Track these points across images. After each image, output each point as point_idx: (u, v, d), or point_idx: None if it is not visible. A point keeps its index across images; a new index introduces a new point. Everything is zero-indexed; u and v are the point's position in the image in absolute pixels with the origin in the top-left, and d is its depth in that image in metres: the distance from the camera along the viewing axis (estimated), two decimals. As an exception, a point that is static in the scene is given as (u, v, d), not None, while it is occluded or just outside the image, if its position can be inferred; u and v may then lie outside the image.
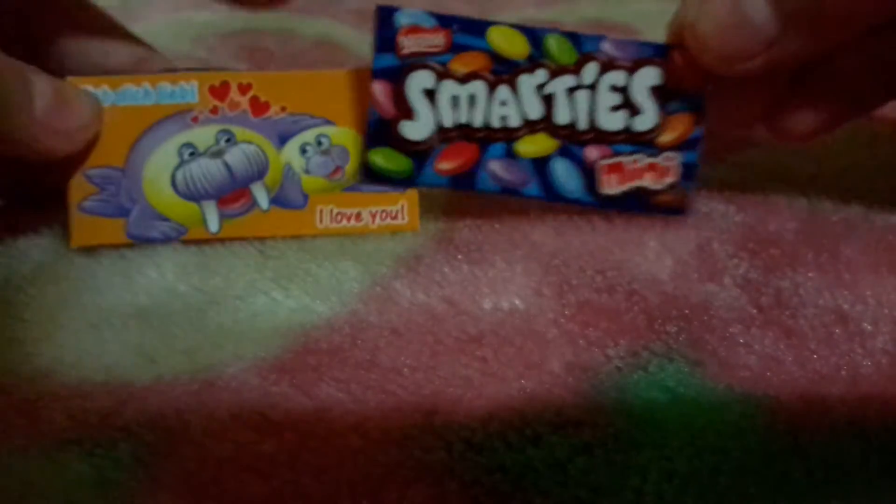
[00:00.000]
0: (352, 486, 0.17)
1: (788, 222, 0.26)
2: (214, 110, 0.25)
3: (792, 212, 0.27)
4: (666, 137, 0.25)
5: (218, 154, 0.25)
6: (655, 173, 0.26)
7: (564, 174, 0.25)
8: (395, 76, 0.25)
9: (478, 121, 0.25)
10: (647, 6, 0.54)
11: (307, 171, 0.25)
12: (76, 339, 0.22)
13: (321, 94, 0.26)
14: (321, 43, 0.48)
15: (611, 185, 0.26)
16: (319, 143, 0.25)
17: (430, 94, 0.25)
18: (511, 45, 0.25)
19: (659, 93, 0.25)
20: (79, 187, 0.25)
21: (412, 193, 0.26)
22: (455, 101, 0.25)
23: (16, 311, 0.23)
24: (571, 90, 0.25)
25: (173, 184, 0.25)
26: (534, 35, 0.25)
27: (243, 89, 0.25)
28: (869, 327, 0.21)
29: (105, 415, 0.19)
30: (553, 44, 0.25)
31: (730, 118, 0.26)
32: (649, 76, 0.25)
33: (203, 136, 0.25)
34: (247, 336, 0.22)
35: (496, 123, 0.25)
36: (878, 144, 0.33)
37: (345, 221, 0.26)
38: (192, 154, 0.25)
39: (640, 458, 0.18)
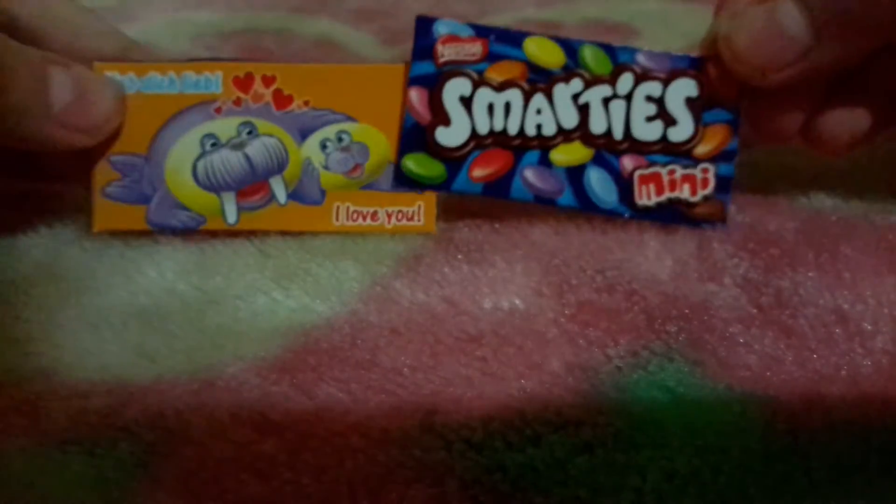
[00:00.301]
0: (352, 486, 0.17)
1: (788, 222, 0.26)
2: (238, 102, 0.25)
3: (792, 212, 0.27)
4: (702, 149, 0.25)
5: (239, 146, 0.25)
6: (692, 185, 0.26)
7: (599, 184, 0.25)
8: (432, 83, 0.25)
9: (513, 128, 0.25)
10: (648, 6, 0.54)
11: (326, 167, 0.26)
12: (76, 339, 0.22)
13: (345, 89, 0.26)
14: (321, 43, 0.48)
15: (647, 196, 0.25)
16: (340, 140, 0.25)
17: (466, 102, 0.25)
18: (547, 54, 0.25)
19: (694, 104, 0.25)
20: (102, 173, 0.25)
21: (430, 195, 0.26)
22: (491, 108, 0.25)
23: (16, 310, 0.23)
24: (607, 100, 0.25)
25: (194, 174, 0.25)
26: (569, 46, 0.25)
27: (267, 81, 0.25)
28: (869, 327, 0.21)
29: (105, 414, 0.19)
30: (588, 54, 0.25)
31: (767, 130, 0.26)
32: (684, 87, 0.25)
33: (225, 127, 0.25)
34: (247, 336, 0.22)
35: (531, 131, 0.25)
36: (878, 144, 0.32)
37: (360, 220, 0.26)
38: (213, 145, 0.25)
39: (640, 457, 0.18)
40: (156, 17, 0.30)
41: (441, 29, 0.25)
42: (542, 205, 0.25)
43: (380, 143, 0.26)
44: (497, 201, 0.26)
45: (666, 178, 0.25)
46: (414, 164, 0.25)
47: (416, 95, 0.25)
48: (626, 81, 0.25)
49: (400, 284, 0.24)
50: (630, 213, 0.25)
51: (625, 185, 0.25)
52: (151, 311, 0.23)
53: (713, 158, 0.26)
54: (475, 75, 0.25)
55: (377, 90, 0.26)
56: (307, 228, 0.26)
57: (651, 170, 0.25)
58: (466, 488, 0.17)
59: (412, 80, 0.25)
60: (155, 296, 0.23)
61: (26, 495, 0.17)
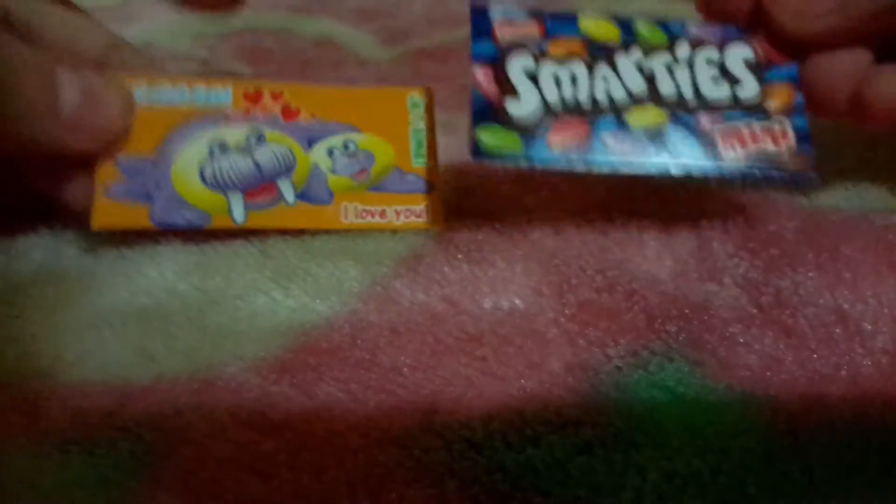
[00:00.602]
0: (352, 486, 0.17)
1: (788, 222, 0.26)
2: (247, 113, 0.26)
3: (792, 211, 0.27)
4: (772, 104, 0.26)
5: (248, 151, 0.26)
6: (773, 137, 0.25)
7: (682, 143, 0.25)
8: (495, 60, 0.25)
9: (583, 96, 0.25)
10: (649, 6, 0.54)
11: (333, 171, 0.26)
12: (76, 339, 0.22)
13: (351, 106, 0.27)
14: (321, 42, 0.48)
15: (733, 150, 0.25)
16: (346, 147, 0.26)
17: (532, 76, 0.25)
18: (602, 30, 0.26)
19: (752, 66, 0.26)
20: (106, 172, 0.25)
21: (436, 194, 0.26)
22: (557, 80, 0.25)
23: (16, 310, 0.23)
24: (669, 67, 0.26)
25: (201, 175, 0.25)
26: (622, 22, 0.26)
27: (275, 96, 0.27)
28: (869, 327, 0.21)
29: (105, 414, 0.19)
30: (642, 28, 0.26)
31: (816, 100, 0.26)
32: (740, 51, 0.26)
33: (234, 134, 0.26)
34: (247, 336, 0.22)
35: (602, 98, 0.25)
36: (878, 144, 0.32)
37: (369, 217, 0.26)
38: (222, 149, 0.26)
39: (640, 457, 0.18)
40: (156, 16, 0.30)
41: (496, 15, 0.26)
42: (627, 170, 0.24)
43: (385, 151, 0.26)
44: (496, 201, 0.26)
45: (746, 132, 0.25)
46: (488, 136, 0.24)
47: (481, 72, 0.25)
48: (683, 49, 0.26)
49: (400, 284, 0.24)
50: (718, 169, 0.25)
51: (708, 143, 0.25)
52: (152, 311, 0.23)
53: (785, 112, 0.26)
54: (536, 51, 0.25)
55: (381, 108, 0.27)
56: (315, 226, 0.26)
57: (730, 124, 0.25)
58: (466, 488, 0.17)
59: (474, 58, 0.25)
60: (155, 296, 0.23)
61: (26, 495, 0.17)
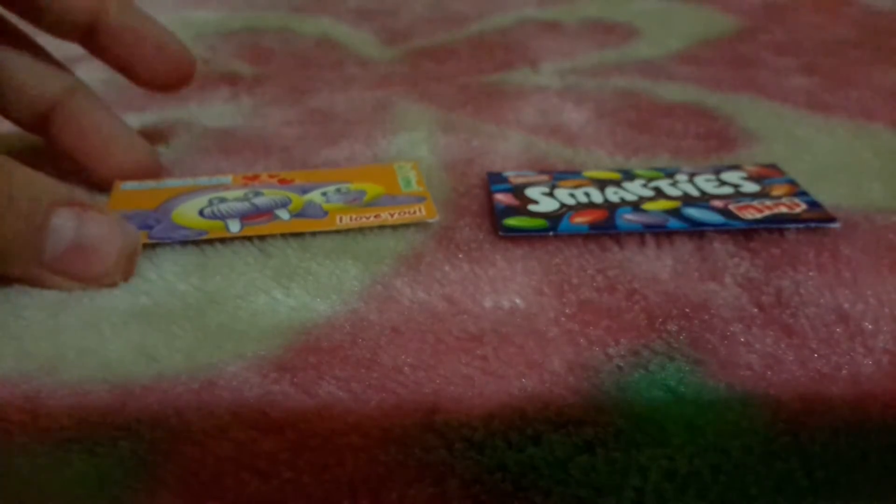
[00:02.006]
0: (352, 485, 0.17)
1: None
2: (245, 185, 0.29)
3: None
4: (775, 193, 0.28)
5: (246, 199, 0.28)
6: (788, 206, 0.27)
7: (700, 214, 0.26)
8: (512, 190, 0.28)
9: (598, 200, 0.27)
10: (649, 5, 0.54)
11: (327, 202, 0.28)
12: (77, 339, 0.22)
13: (341, 174, 0.30)
14: (322, 42, 0.48)
15: (751, 214, 0.26)
16: (338, 190, 0.28)
17: (548, 195, 0.28)
18: (605, 174, 0.29)
19: (749, 178, 0.29)
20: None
21: (429, 202, 0.27)
22: (572, 195, 0.28)
23: (17, 310, 0.23)
24: (672, 184, 0.28)
25: (200, 213, 0.27)
26: (623, 170, 0.30)
27: (271, 176, 0.30)
28: (869, 326, 0.21)
29: (106, 413, 0.19)
30: (641, 171, 0.30)
31: None
32: (735, 172, 0.29)
33: (234, 193, 0.28)
34: (247, 335, 0.22)
35: (615, 199, 0.27)
36: (878, 143, 0.33)
37: (363, 219, 0.27)
38: (220, 200, 0.28)
39: (641, 456, 0.18)
40: (157, 16, 0.30)
41: (509, 174, 0.30)
42: (652, 231, 0.26)
43: (375, 189, 0.29)
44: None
45: (759, 205, 0.27)
46: (516, 221, 0.26)
47: (501, 195, 0.28)
48: (682, 176, 0.29)
49: (400, 283, 0.24)
50: (741, 224, 0.26)
51: (724, 212, 0.26)
52: (152, 310, 0.23)
53: (790, 195, 0.27)
54: (548, 187, 0.28)
55: (370, 172, 0.30)
56: (310, 229, 0.26)
57: (742, 202, 0.27)
58: (467, 487, 0.17)
59: (494, 191, 0.28)
60: (155, 296, 0.23)
61: (27, 494, 0.17)
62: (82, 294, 0.23)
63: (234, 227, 0.26)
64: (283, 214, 0.27)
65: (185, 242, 0.25)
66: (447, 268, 0.24)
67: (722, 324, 0.22)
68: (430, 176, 0.30)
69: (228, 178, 0.29)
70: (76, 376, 0.20)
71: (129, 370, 0.21)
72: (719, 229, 0.26)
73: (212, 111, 0.38)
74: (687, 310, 0.22)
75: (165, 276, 0.24)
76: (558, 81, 0.40)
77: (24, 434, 0.19)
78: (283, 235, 0.26)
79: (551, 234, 0.25)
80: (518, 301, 0.23)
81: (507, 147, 0.33)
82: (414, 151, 0.33)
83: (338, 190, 0.28)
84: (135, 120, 0.36)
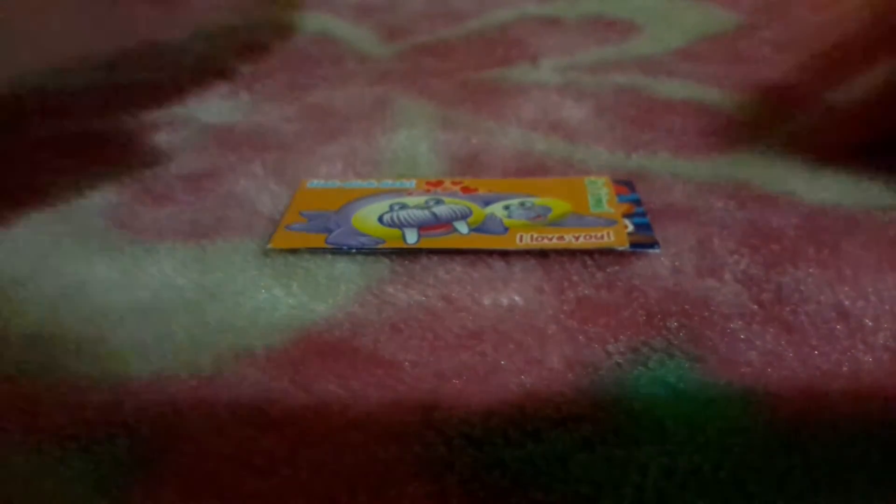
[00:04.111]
0: (351, 482, 0.17)
1: (790, 218, 0.26)
2: (428, 190, 0.28)
3: (793, 207, 0.27)
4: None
5: (426, 207, 0.27)
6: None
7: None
8: None
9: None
10: (649, 2, 0.54)
11: (509, 217, 0.27)
12: (75, 334, 0.22)
13: (527, 186, 0.29)
14: (320, 38, 0.48)
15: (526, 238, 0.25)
16: (522, 204, 0.27)
17: None
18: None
19: None
20: (290, 217, 0.27)
21: (620, 227, 0.26)
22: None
23: (15, 306, 0.23)
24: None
25: (379, 219, 0.27)
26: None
27: (455, 183, 0.29)
28: (870, 323, 0.21)
29: (103, 410, 0.19)
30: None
31: None
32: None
33: (415, 200, 0.28)
34: (247, 332, 0.22)
35: None
36: (878, 141, 0.32)
37: (545, 240, 0.25)
38: (401, 207, 0.27)
39: (641, 453, 0.18)
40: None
41: None
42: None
43: (562, 205, 0.27)
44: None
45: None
46: None
47: None
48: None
49: (393, 289, 0.24)
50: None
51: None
52: (150, 306, 0.23)
53: (629, 215, 0.27)
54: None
55: (558, 185, 0.28)
56: (489, 247, 0.25)
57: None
58: (466, 484, 0.17)
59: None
60: (154, 291, 0.23)
61: (24, 491, 0.17)
62: (80, 289, 0.23)
63: (412, 237, 0.25)
64: (462, 227, 0.26)
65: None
66: (440, 271, 0.24)
67: (721, 320, 0.22)
68: (428, 173, 0.30)
69: (412, 183, 0.29)
70: (73, 373, 0.20)
71: (127, 367, 0.20)
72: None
73: (210, 107, 0.38)
74: (686, 306, 0.22)
75: (164, 270, 0.24)
76: (558, 78, 0.40)
77: (22, 432, 0.19)
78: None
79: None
80: (517, 299, 0.23)
81: (506, 143, 0.33)
82: (413, 148, 0.33)
83: (522, 204, 0.27)
84: (131, 119, 0.36)
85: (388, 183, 0.29)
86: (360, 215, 0.27)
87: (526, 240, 0.25)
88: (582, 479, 0.17)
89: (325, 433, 0.18)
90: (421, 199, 0.28)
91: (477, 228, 0.26)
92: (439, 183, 0.29)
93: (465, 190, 0.28)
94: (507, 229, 0.26)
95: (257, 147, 0.33)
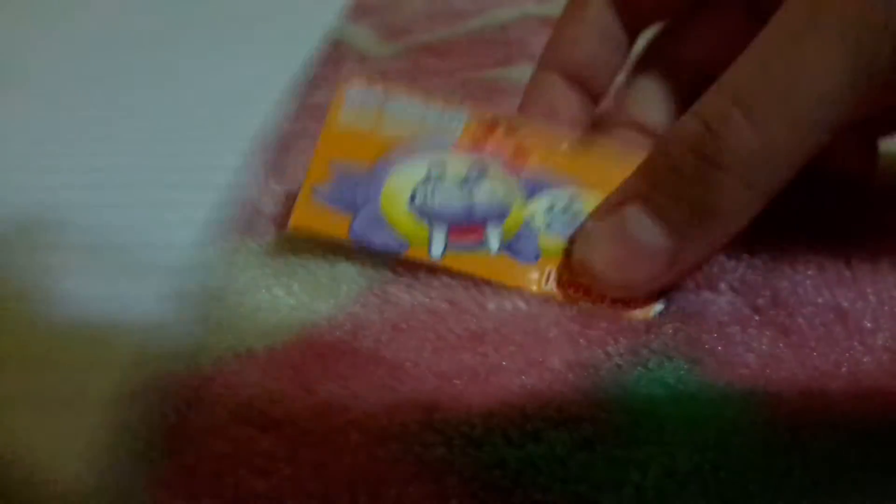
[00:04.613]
0: (351, 483, 0.17)
1: (788, 220, 0.26)
2: (475, 143, 0.24)
3: (791, 208, 0.27)
4: None
5: (465, 184, 0.24)
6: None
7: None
8: None
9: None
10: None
11: (548, 228, 0.24)
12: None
13: (584, 160, 0.24)
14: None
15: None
16: (570, 207, 0.24)
17: None
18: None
19: None
20: (318, 171, 0.24)
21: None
22: None
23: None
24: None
25: (412, 198, 0.24)
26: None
27: (510, 132, 0.25)
28: (869, 324, 0.21)
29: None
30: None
31: None
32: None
33: (457, 163, 0.24)
34: (247, 332, 0.22)
35: None
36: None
37: (571, 291, 0.23)
38: (439, 176, 0.24)
39: (641, 453, 0.18)
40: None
41: None
42: None
43: None
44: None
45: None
46: None
47: None
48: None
49: (396, 289, 0.24)
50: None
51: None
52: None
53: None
54: None
55: (618, 169, 0.23)
56: (511, 284, 0.23)
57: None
58: (466, 484, 0.17)
59: None
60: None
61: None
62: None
63: (437, 247, 0.23)
64: (493, 240, 0.23)
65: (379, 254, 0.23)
66: (445, 275, 0.24)
67: (718, 326, 0.22)
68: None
69: (462, 118, 0.25)
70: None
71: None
72: None
73: (210, 107, 0.37)
74: (684, 309, 0.22)
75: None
76: (558, 78, 0.40)
77: (23, 431, 0.19)
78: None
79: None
80: (520, 303, 0.23)
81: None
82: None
83: (566, 209, 0.24)
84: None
85: (435, 114, 0.25)
86: (393, 186, 0.24)
87: (552, 284, 0.23)
88: (582, 479, 0.17)
89: (326, 433, 0.18)
90: (462, 168, 0.24)
91: (508, 246, 0.23)
92: (493, 128, 0.24)
93: (516, 158, 0.24)
94: (538, 256, 0.23)
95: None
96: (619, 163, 0.23)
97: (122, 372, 0.20)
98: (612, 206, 0.22)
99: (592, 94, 0.27)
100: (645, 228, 0.21)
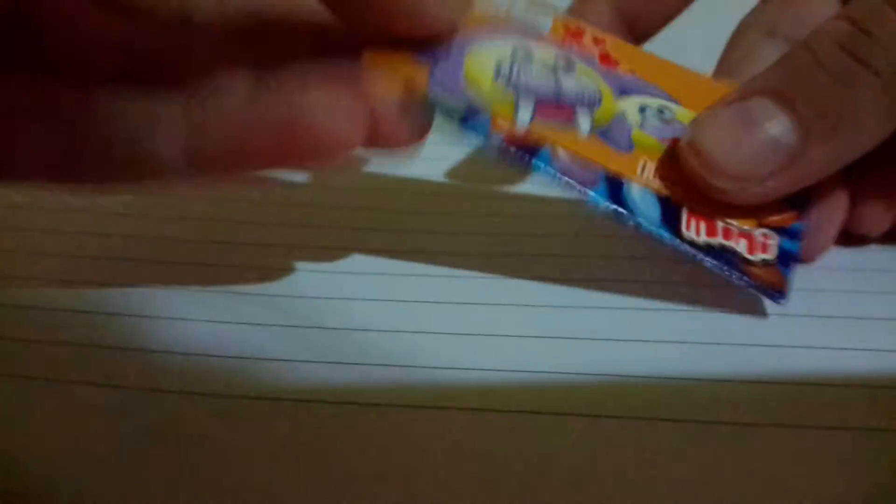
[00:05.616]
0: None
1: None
2: (563, 42, 0.22)
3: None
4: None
5: (553, 71, 0.21)
6: (749, 243, 0.20)
7: (640, 196, 0.20)
8: None
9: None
10: None
11: (641, 127, 0.21)
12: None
13: (671, 78, 0.22)
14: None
15: (696, 232, 0.20)
16: (662, 112, 0.22)
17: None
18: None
19: None
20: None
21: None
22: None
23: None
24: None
25: (496, 70, 0.21)
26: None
27: (597, 41, 0.23)
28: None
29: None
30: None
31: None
32: None
33: (543, 52, 0.21)
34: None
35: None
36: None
37: (669, 186, 0.20)
38: (526, 57, 0.21)
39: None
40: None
41: None
42: (572, 190, 0.20)
43: None
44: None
45: (720, 226, 0.20)
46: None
47: None
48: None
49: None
50: (672, 237, 0.20)
51: (670, 210, 0.20)
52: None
53: (777, 229, 0.21)
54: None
55: (703, 89, 0.22)
56: (604, 164, 0.20)
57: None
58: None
59: None
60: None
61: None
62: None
63: (525, 115, 0.20)
64: (584, 123, 0.21)
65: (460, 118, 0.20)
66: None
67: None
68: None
69: (549, 19, 0.22)
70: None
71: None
72: (641, 229, 0.20)
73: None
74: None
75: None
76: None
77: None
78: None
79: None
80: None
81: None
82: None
83: (661, 112, 0.22)
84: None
85: (522, 7, 0.22)
86: (477, 58, 0.20)
87: (648, 174, 0.20)
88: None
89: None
90: (550, 55, 0.21)
91: (600, 131, 0.21)
92: (579, 34, 0.22)
93: (605, 60, 0.22)
94: (632, 146, 0.21)
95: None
96: (710, 86, 0.22)
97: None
98: (735, 97, 0.20)
99: (635, 34, 0.26)
100: (772, 118, 0.19)
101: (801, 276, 0.21)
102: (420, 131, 0.19)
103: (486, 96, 0.20)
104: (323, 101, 0.18)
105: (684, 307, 0.22)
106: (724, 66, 0.23)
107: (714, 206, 0.20)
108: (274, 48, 0.19)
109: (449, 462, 0.17)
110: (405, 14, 0.18)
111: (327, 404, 0.19)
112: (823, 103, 0.19)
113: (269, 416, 0.18)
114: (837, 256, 0.24)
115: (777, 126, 0.19)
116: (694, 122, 0.20)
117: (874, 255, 0.24)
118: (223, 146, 0.18)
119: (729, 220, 0.20)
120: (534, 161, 0.20)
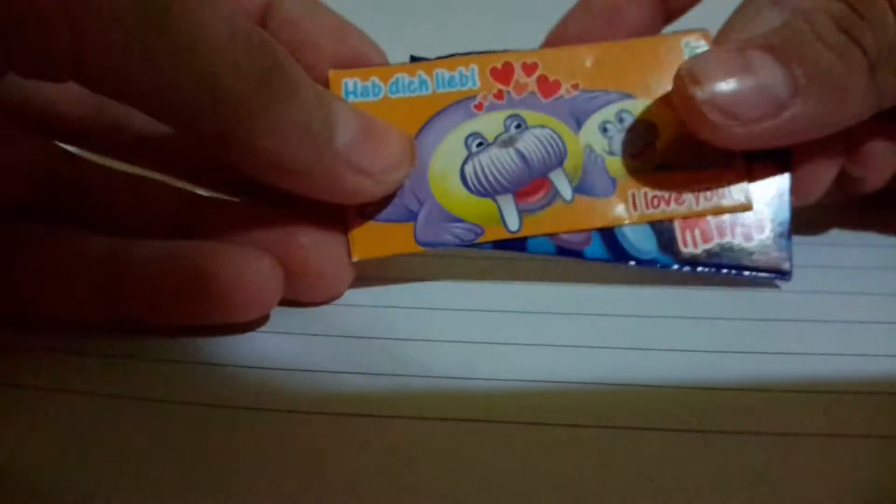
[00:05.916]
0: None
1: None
2: (499, 95, 0.22)
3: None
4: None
5: (509, 142, 0.22)
6: (745, 228, 0.22)
7: (633, 234, 0.21)
8: None
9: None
10: None
11: (611, 152, 0.22)
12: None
13: (617, 68, 0.23)
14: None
15: (693, 244, 0.21)
16: (621, 121, 0.22)
17: None
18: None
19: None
20: None
21: (740, 168, 0.22)
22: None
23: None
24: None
25: (463, 179, 0.22)
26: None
27: (528, 69, 0.23)
28: None
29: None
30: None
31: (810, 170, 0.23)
32: None
33: (490, 123, 0.22)
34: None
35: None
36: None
37: (663, 205, 0.22)
38: (479, 144, 0.22)
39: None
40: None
41: None
42: (566, 257, 0.21)
43: (666, 118, 0.22)
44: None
45: (713, 226, 0.22)
46: None
47: None
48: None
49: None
50: (674, 262, 0.21)
51: (665, 232, 0.21)
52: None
53: (765, 201, 0.22)
54: None
55: (654, 65, 0.23)
56: (601, 224, 0.21)
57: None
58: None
59: None
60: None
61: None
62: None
63: (512, 220, 0.21)
64: (565, 189, 0.21)
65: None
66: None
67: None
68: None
69: (475, 72, 0.22)
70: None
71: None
72: (645, 266, 0.21)
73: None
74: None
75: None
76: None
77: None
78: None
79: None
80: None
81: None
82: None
83: (620, 120, 0.22)
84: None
85: (445, 78, 0.22)
86: (438, 171, 0.21)
87: (640, 206, 0.22)
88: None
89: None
90: (497, 120, 0.22)
91: (580, 187, 0.21)
92: (509, 73, 0.22)
93: (545, 87, 0.22)
94: (614, 183, 0.22)
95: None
96: (647, 56, 0.23)
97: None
98: (732, 48, 0.21)
99: (668, 9, 0.26)
100: (767, 68, 0.20)
101: (801, 277, 0.21)
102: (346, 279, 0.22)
103: (469, 215, 0.21)
104: (240, 259, 0.19)
105: (684, 315, 0.22)
106: (729, 28, 0.24)
107: (699, 153, 0.22)
108: (204, 206, 0.21)
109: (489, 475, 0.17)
110: (336, 195, 0.20)
111: (328, 415, 0.18)
112: (816, 68, 0.20)
113: (280, 426, 0.18)
114: (837, 256, 0.24)
115: (771, 77, 0.20)
116: (695, 56, 0.21)
117: (874, 255, 0.24)
118: (136, 291, 0.19)
119: (714, 172, 0.22)
120: (527, 248, 0.21)
